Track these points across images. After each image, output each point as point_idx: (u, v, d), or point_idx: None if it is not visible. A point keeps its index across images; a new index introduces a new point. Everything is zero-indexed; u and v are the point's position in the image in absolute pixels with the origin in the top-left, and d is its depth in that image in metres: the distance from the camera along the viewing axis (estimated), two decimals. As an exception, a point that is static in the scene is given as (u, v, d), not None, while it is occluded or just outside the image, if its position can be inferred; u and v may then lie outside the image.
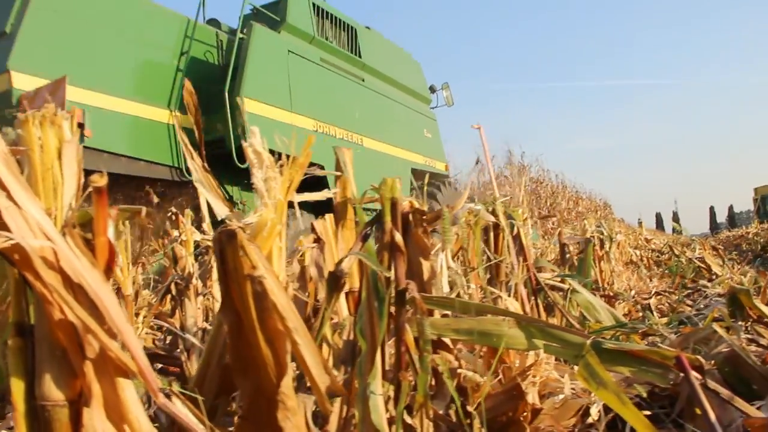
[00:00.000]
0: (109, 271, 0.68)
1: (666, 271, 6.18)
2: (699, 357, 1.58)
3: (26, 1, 5.66)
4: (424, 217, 1.54)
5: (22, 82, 5.70)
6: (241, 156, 6.69)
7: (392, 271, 1.21)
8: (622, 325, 2.46)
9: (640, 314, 3.25)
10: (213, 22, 8.01)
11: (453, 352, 1.58)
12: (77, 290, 0.64)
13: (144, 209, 0.95)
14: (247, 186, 7.64)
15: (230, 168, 6.89)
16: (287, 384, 0.77)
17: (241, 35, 6.92)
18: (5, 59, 5.59)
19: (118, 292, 2.06)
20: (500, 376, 1.77)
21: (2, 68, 5.65)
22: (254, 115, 6.77)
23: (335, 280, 1.04)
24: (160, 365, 2.05)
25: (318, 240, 1.37)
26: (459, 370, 1.54)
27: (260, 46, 6.91)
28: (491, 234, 2.07)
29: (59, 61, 5.82)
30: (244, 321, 0.78)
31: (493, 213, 2.03)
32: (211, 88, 6.75)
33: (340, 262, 1.05)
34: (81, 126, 5.76)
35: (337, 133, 8.34)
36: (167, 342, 2.49)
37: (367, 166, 8.61)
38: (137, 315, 2.22)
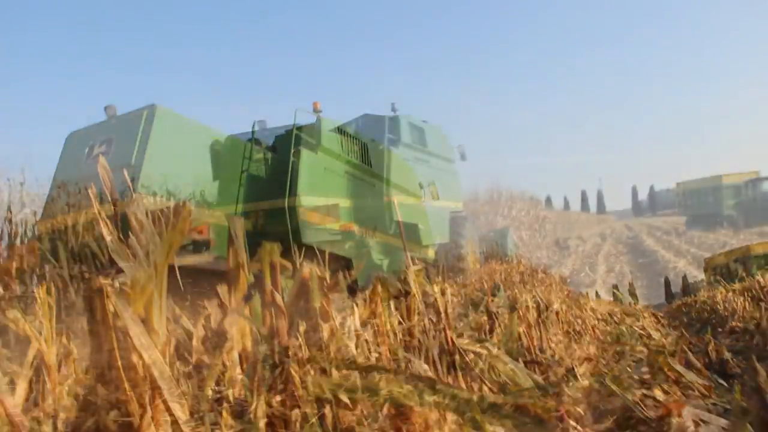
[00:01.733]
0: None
1: (608, 339, 6.34)
2: (579, 408, 1.71)
3: (145, 142, 7.30)
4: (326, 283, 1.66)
5: (149, 203, 7.06)
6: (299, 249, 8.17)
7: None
8: (538, 386, 2.57)
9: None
10: (256, 142, 9.80)
11: (354, 411, 1.66)
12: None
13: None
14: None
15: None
16: (147, 424, 0.86)
17: (293, 159, 8.65)
18: (135, 185, 7.16)
19: (42, 360, 2.10)
20: (405, 435, 1.85)
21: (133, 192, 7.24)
22: (303, 220, 8.52)
23: (217, 338, 1.15)
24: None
25: (222, 304, 1.48)
26: (358, 428, 1.62)
27: (307, 167, 9.01)
28: (403, 301, 2.20)
29: (173, 185, 7.52)
30: (112, 366, 0.88)
31: (404, 281, 2.16)
32: (261, 199, 8.49)
33: (222, 320, 1.16)
34: (210, 241, 7.42)
35: (357, 231, 10.42)
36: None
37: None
38: (61, 384, 2.23)
